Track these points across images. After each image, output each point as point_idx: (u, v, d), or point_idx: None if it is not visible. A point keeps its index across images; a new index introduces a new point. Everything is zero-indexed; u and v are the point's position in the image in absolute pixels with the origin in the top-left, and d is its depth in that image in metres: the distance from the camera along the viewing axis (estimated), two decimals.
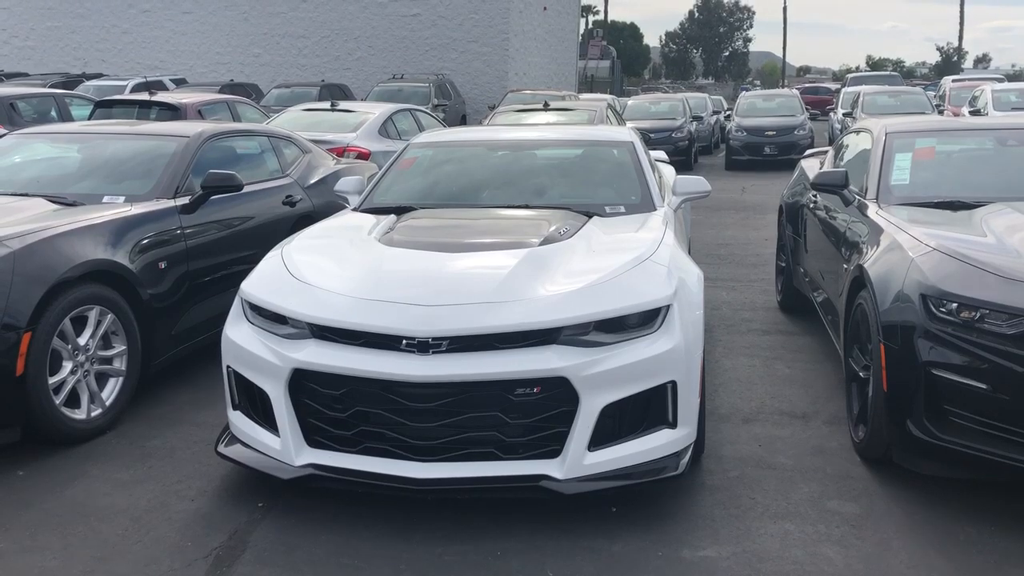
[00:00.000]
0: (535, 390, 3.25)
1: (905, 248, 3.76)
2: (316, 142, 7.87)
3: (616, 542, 3.22)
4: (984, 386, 3.25)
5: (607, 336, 3.33)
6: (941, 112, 18.87)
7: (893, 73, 36.47)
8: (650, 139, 12.62)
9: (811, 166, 6.51)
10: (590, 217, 4.38)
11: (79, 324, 4.11)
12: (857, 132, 5.84)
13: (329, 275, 3.63)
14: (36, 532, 3.31)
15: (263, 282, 3.72)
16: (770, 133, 17.89)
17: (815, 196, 5.66)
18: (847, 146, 5.97)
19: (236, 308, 3.76)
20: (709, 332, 5.92)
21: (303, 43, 26.51)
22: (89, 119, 10.51)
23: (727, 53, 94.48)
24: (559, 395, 3.24)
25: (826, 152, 6.71)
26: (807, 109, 20.83)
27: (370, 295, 3.42)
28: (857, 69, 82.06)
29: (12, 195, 4.82)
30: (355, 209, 4.87)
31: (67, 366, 4.03)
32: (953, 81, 24.51)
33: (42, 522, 3.38)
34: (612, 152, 5.23)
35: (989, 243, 3.69)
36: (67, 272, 3.98)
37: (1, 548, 3.19)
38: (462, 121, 22.25)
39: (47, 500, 3.56)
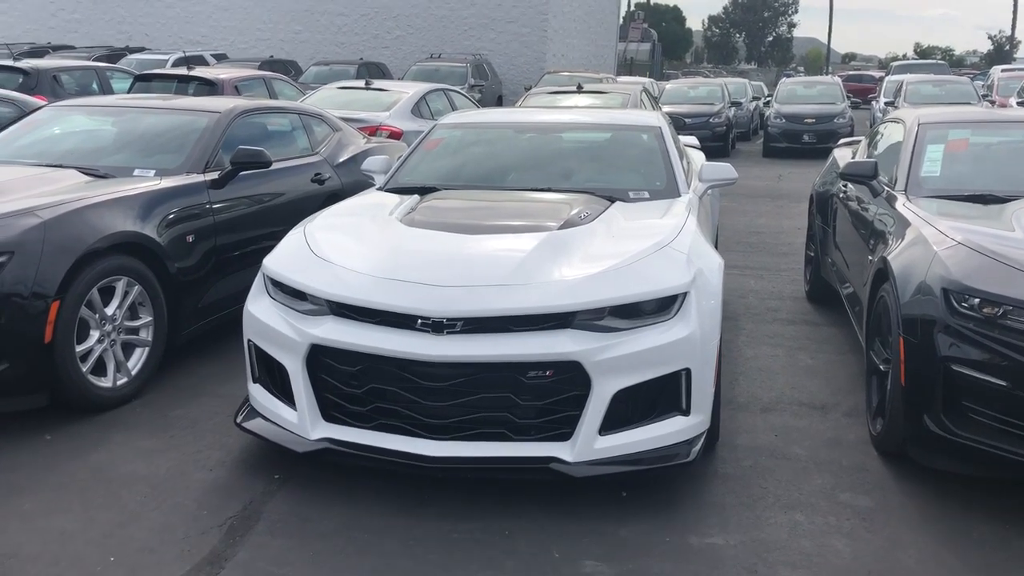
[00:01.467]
0: (548, 373, 3.26)
1: (929, 241, 3.71)
2: (349, 120, 7.91)
3: (624, 526, 3.23)
4: (1004, 383, 3.21)
5: (622, 321, 3.34)
6: (991, 103, 18.45)
7: (940, 62, 35.73)
8: (685, 124, 12.54)
9: (844, 155, 6.42)
10: (613, 202, 4.37)
11: (107, 294, 4.20)
12: (892, 122, 5.75)
13: (349, 253, 3.66)
14: (59, 495, 3.41)
15: (285, 258, 3.77)
16: (809, 120, 17.64)
17: (845, 186, 5.59)
18: (881, 136, 5.88)
19: (258, 283, 3.82)
20: (734, 320, 5.90)
21: (343, 21, 26.57)
22: (128, 92, 10.67)
23: (771, 38, 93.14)
24: (572, 379, 3.26)
25: (860, 141, 6.61)
26: (848, 97, 20.49)
27: (388, 274, 3.45)
28: (904, 57, 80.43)
29: (46, 166, 4.92)
30: (380, 188, 4.90)
31: (94, 335, 4.12)
32: (1002, 71, 23.89)
33: (66, 486, 3.48)
34: (639, 137, 5.20)
35: (1017, 238, 3.62)
36: (96, 243, 4.07)
37: (26, 509, 3.30)
38: (498, 102, 22.19)
39: (71, 465, 3.66)
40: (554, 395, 3.28)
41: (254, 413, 3.69)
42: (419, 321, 3.28)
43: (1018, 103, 16.31)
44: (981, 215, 4.08)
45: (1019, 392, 3.17)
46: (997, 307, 3.26)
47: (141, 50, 21.77)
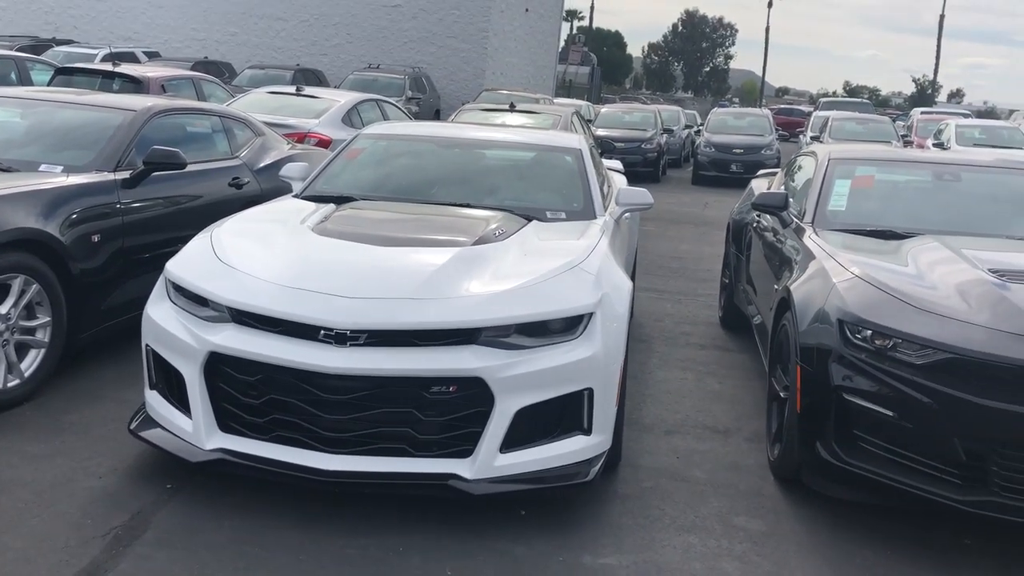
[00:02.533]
0: (451, 389, 3.25)
1: (829, 274, 3.82)
2: (277, 126, 7.81)
3: (520, 544, 3.23)
4: (891, 413, 3.31)
5: (528, 339, 3.35)
6: (909, 143, 19.19)
7: (865, 101, 37.10)
8: (615, 148, 12.68)
9: (761, 186, 6.59)
10: (530, 220, 4.39)
11: (1, 292, 4.04)
12: (807, 155, 5.92)
13: (254, 260, 3.60)
14: None
15: (188, 262, 3.69)
16: (738, 151, 18.08)
17: (758, 216, 5.73)
18: (797, 169, 6.05)
19: (159, 287, 3.73)
20: (648, 343, 5.98)
21: (281, 25, 26.26)
22: (48, 85, 10.33)
23: (708, 68, 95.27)
24: (475, 395, 3.25)
25: (776, 173, 6.79)
26: (778, 130, 21.07)
27: (293, 283, 3.40)
28: (834, 94, 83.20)
29: None
30: (296, 195, 4.84)
31: None
32: (922, 113, 24.97)
33: None
34: (561, 158, 5.24)
35: (910, 274, 3.76)
36: None
37: None
38: (436, 116, 22.18)
39: None
40: (457, 411, 3.27)
41: (149, 421, 3.59)
42: (322, 332, 3.24)
43: (934, 144, 17.00)
44: (880, 250, 4.22)
45: (904, 422, 3.28)
46: (888, 339, 3.37)
47: (69, 43, 21.14)
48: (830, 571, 3.21)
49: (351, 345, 3.22)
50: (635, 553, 3.24)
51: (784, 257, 4.65)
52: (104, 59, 16.95)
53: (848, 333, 3.47)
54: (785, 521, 3.57)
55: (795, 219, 4.89)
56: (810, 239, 4.43)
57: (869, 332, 3.41)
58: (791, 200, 5.18)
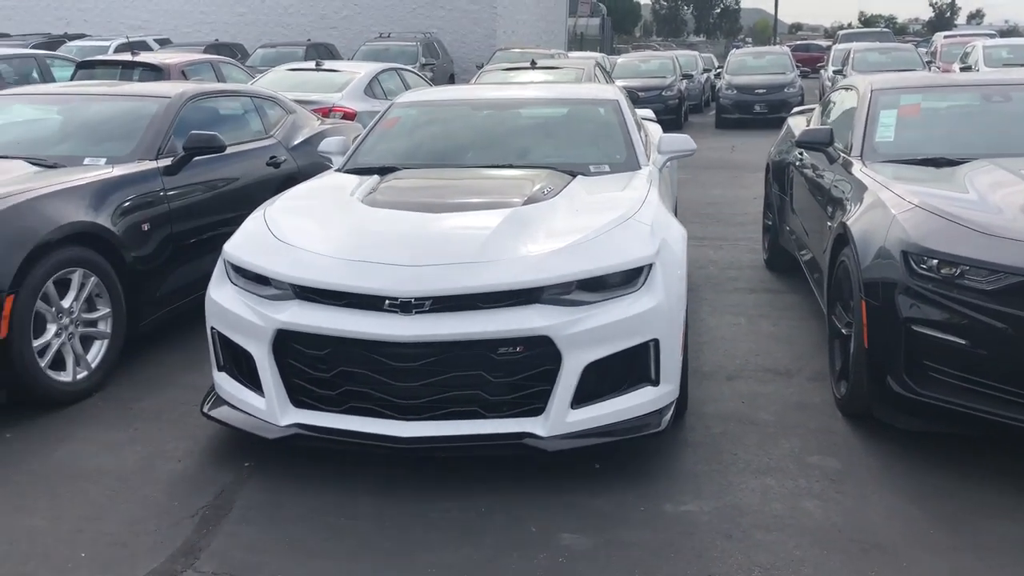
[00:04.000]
0: (518, 349, 3.26)
1: (887, 205, 3.76)
2: (301, 102, 7.78)
3: (598, 497, 3.26)
4: (963, 341, 3.28)
5: (590, 295, 3.34)
6: (938, 68, 18.79)
7: (884, 30, 36.30)
8: (639, 97, 12.55)
9: (798, 124, 6.49)
10: (574, 176, 4.36)
11: (62, 287, 4.10)
12: (844, 89, 5.82)
13: (311, 236, 3.62)
14: (24, 493, 3.33)
15: (245, 243, 3.71)
16: (760, 91, 17.80)
17: (801, 154, 5.65)
18: (834, 103, 5.95)
19: (219, 269, 3.76)
20: (696, 291, 5.95)
21: (288, 2, 26.09)
22: (71, 80, 10.38)
23: (718, 10, 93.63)
24: (542, 354, 3.26)
25: (813, 109, 6.68)
26: (798, 66, 20.71)
27: (353, 255, 3.42)
28: (849, 26, 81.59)
29: None
30: (338, 170, 4.84)
31: (51, 329, 4.02)
32: (945, 37, 24.40)
33: (30, 483, 3.41)
34: (597, 111, 5.20)
35: (971, 200, 3.70)
36: (49, 235, 3.96)
37: None
38: (450, 80, 22.04)
39: (34, 462, 3.58)
40: (525, 371, 3.29)
41: (221, 402, 3.65)
42: (387, 302, 3.25)
43: (961, 69, 16.63)
44: (935, 178, 4.15)
45: (977, 350, 3.25)
46: (955, 267, 3.32)
47: (81, 36, 21.16)
48: (911, 503, 3.21)
49: (416, 313, 3.24)
50: (714, 499, 3.25)
51: (834, 193, 4.59)
52: (119, 49, 16.97)
53: (913, 264, 3.42)
54: (859, 457, 3.57)
55: (842, 154, 4.81)
56: (861, 172, 4.36)
57: (935, 261, 3.37)
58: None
